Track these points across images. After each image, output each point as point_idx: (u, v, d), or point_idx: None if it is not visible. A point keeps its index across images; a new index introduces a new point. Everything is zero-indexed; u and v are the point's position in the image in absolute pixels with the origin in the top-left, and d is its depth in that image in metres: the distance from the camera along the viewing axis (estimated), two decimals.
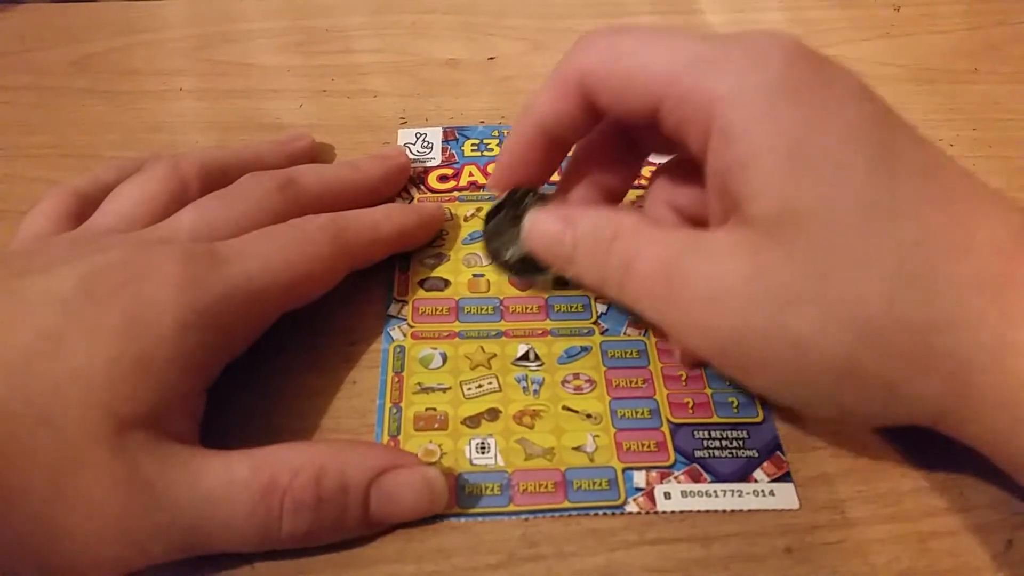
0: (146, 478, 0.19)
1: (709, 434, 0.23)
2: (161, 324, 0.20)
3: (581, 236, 0.23)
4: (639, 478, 0.22)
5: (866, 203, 0.18)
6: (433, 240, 0.29)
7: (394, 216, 0.27)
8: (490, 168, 0.31)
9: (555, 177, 0.28)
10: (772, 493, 0.22)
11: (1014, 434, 0.18)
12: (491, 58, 0.37)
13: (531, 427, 0.23)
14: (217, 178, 0.26)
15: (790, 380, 0.20)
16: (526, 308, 0.27)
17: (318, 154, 0.32)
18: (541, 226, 0.24)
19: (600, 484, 0.22)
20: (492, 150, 0.32)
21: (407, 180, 0.30)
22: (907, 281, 0.18)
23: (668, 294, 0.21)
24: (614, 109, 0.22)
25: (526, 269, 0.26)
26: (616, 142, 0.26)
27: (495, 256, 0.26)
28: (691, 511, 0.22)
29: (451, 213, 0.30)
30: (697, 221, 0.24)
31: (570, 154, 0.26)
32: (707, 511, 0.22)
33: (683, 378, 0.25)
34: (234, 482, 0.19)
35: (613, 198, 0.26)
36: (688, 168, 0.24)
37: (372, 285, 0.27)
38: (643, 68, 0.21)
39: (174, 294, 0.20)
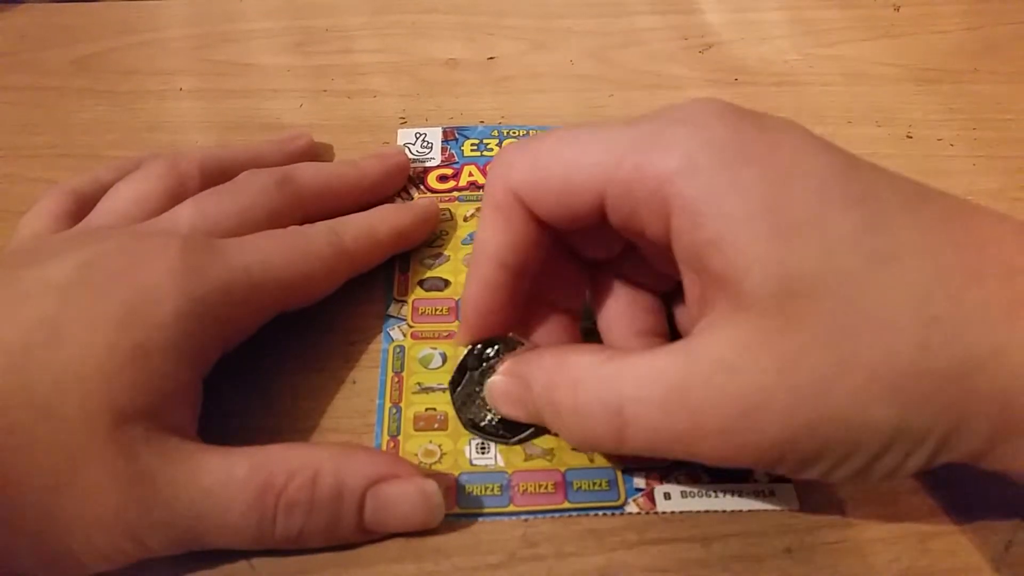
0: (146, 471, 0.19)
1: None
2: (159, 313, 0.20)
3: (538, 395, 0.21)
4: (639, 478, 0.22)
5: (867, 253, 0.17)
6: (433, 240, 0.29)
7: (390, 217, 0.27)
8: (490, 168, 0.31)
9: None
10: (772, 493, 0.22)
11: None
12: (491, 58, 0.37)
13: None
14: (216, 177, 0.26)
15: (842, 459, 0.18)
16: None
17: (318, 154, 0.32)
18: (498, 391, 0.22)
19: (600, 484, 0.22)
20: (492, 150, 0.32)
21: (406, 179, 0.30)
22: (935, 324, 0.17)
23: (691, 429, 0.18)
24: (557, 217, 0.21)
25: (513, 430, 0.23)
26: (562, 258, 0.24)
27: (473, 426, 0.23)
28: (691, 511, 0.22)
29: (451, 213, 0.30)
30: (650, 291, 0.24)
31: None
32: (707, 511, 0.22)
33: None
34: (232, 480, 0.19)
35: (570, 311, 0.25)
36: (629, 254, 0.23)
37: (372, 285, 0.27)
38: (576, 167, 0.20)
39: (172, 282, 0.20)
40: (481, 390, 0.23)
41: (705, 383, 0.18)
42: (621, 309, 0.24)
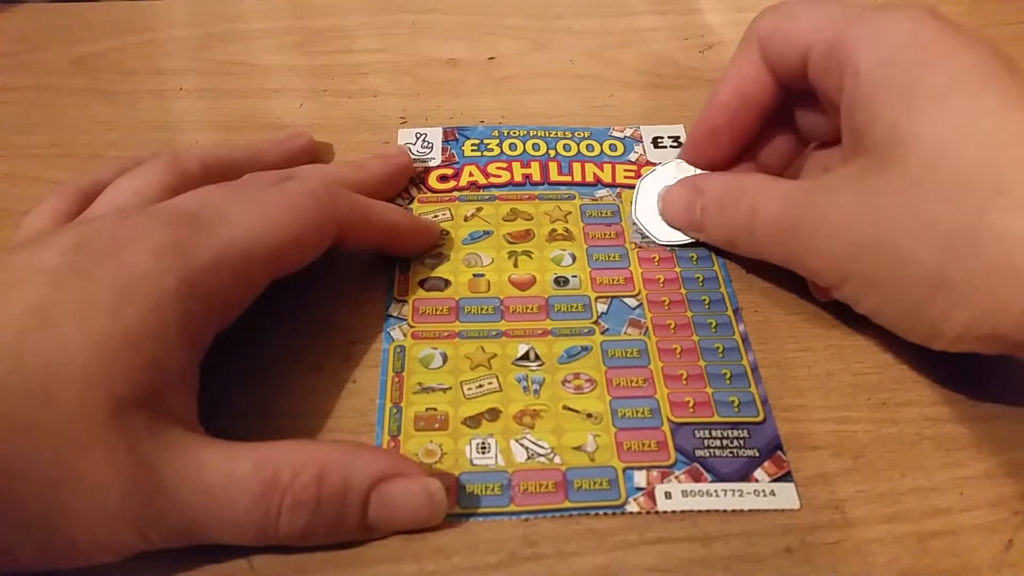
0: (147, 461, 0.19)
1: (710, 433, 0.23)
2: (147, 295, 0.20)
3: (710, 200, 0.26)
4: (640, 478, 0.22)
5: (970, 129, 0.20)
6: None
7: (390, 210, 0.27)
8: (491, 168, 0.31)
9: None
10: (773, 493, 0.22)
11: None
12: (491, 58, 0.37)
13: (532, 427, 0.23)
14: (216, 174, 0.26)
15: (893, 296, 0.22)
16: (526, 308, 0.27)
17: (318, 153, 0.32)
18: (673, 196, 0.28)
19: (601, 484, 0.22)
20: (492, 150, 0.32)
21: (408, 180, 0.30)
22: (1000, 195, 0.19)
23: (790, 230, 0.24)
24: (778, 64, 0.26)
25: (660, 226, 0.28)
26: (782, 130, 0.28)
27: (640, 192, 0.29)
28: (692, 511, 0.22)
29: (451, 213, 0.30)
30: None
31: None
32: (708, 511, 0.22)
33: (684, 377, 0.25)
34: (236, 475, 0.19)
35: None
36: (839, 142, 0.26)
37: (372, 285, 0.27)
38: (800, 24, 0.25)
39: (158, 262, 0.20)
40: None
41: (811, 195, 0.24)
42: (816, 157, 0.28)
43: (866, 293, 0.23)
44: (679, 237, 0.28)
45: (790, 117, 0.28)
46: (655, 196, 0.29)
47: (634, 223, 0.29)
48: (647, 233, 0.29)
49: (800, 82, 0.25)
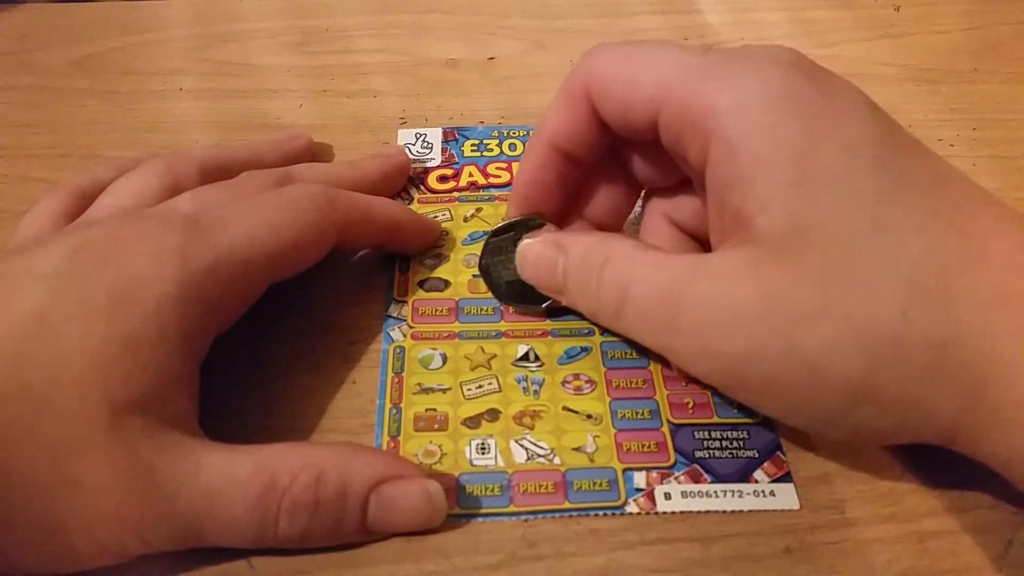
0: (147, 466, 0.19)
1: (709, 434, 0.23)
2: (146, 300, 0.20)
3: (572, 262, 0.23)
4: (639, 478, 0.22)
5: (875, 217, 0.18)
6: None
7: (389, 205, 0.27)
8: (490, 168, 0.31)
9: None
10: (772, 493, 0.22)
11: None
12: (491, 58, 0.37)
13: (531, 428, 0.23)
14: (214, 175, 0.26)
15: (803, 402, 0.19)
16: None
17: (317, 154, 0.32)
18: (533, 251, 0.24)
19: (600, 485, 0.22)
20: (492, 150, 0.32)
21: (406, 180, 0.30)
22: (921, 295, 0.18)
23: (671, 320, 0.20)
24: (616, 120, 0.22)
25: (520, 296, 0.25)
26: (612, 175, 0.25)
27: (485, 272, 0.26)
28: (691, 511, 0.22)
29: (451, 213, 0.30)
30: (695, 236, 0.24)
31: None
32: (707, 511, 0.22)
33: (683, 378, 0.25)
34: (234, 479, 0.19)
35: (608, 231, 0.26)
36: (685, 186, 0.24)
37: (372, 285, 0.27)
38: (645, 77, 0.21)
39: (157, 267, 0.20)
40: (512, 250, 0.25)
41: (695, 286, 0.20)
42: (663, 244, 0.25)
43: (769, 399, 0.20)
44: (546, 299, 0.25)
45: (621, 160, 0.25)
46: (505, 255, 0.25)
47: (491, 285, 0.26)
48: (519, 307, 0.26)
49: (642, 136, 0.22)
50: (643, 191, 0.26)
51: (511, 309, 0.26)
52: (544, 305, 0.25)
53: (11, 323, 0.19)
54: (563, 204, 0.25)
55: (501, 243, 0.25)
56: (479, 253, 0.27)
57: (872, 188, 0.18)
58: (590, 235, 0.24)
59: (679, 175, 0.24)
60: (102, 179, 0.26)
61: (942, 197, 0.19)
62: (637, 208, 0.27)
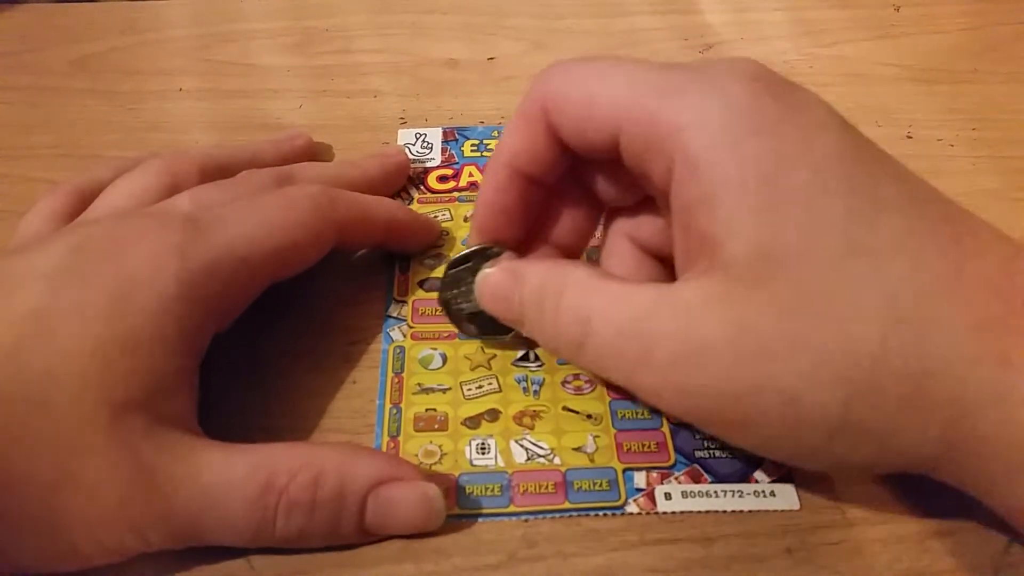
0: (146, 465, 0.19)
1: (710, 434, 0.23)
2: (145, 299, 0.20)
3: (528, 293, 0.22)
4: (639, 478, 0.22)
5: (847, 241, 0.17)
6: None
7: (388, 204, 0.27)
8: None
9: None
10: (773, 493, 0.22)
11: (1011, 482, 0.17)
12: (491, 58, 0.37)
13: (531, 428, 0.23)
14: (214, 174, 0.26)
15: (780, 436, 0.18)
16: None
17: (317, 153, 0.32)
18: (491, 281, 0.23)
19: (601, 485, 0.22)
20: (492, 150, 0.32)
21: (406, 179, 0.30)
22: (898, 323, 0.17)
23: (638, 356, 0.19)
24: (575, 140, 0.21)
25: (483, 327, 0.24)
26: (574, 195, 0.24)
27: (446, 306, 0.25)
28: (692, 511, 0.22)
29: (451, 213, 0.30)
30: (658, 256, 0.24)
31: None
32: (708, 511, 0.22)
33: None
34: (233, 478, 0.19)
35: (571, 255, 0.25)
36: (648, 205, 0.23)
37: (372, 285, 0.27)
38: (603, 95, 0.20)
39: (156, 266, 0.20)
40: (471, 280, 0.24)
41: (662, 319, 0.19)
42: (626, 265, 0.24)
43: (745, 434, 0.19)
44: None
45: (582, 179, 0.24)
46: (465, 286, 0.24)
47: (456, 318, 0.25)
48: (482, 339, 0.25)
49: (601, 156, 0.21)
50: (607, 213, 0.25)
51: (478, 343, 0.25)
52: (510, 336, 0.24)
53: (10, 322, 0.19)
54: (525, 228, 0.24)
55: (459, 274, 0.24)
56: None
57: (843, 209, 0.17)
58: (546, 263, 0.22)
59: (641, 193, 0.23)
60: (102, 179, 0.26)
61: (917, 217, 0.18)
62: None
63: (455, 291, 0.24)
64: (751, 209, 0.18)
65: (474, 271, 0.24)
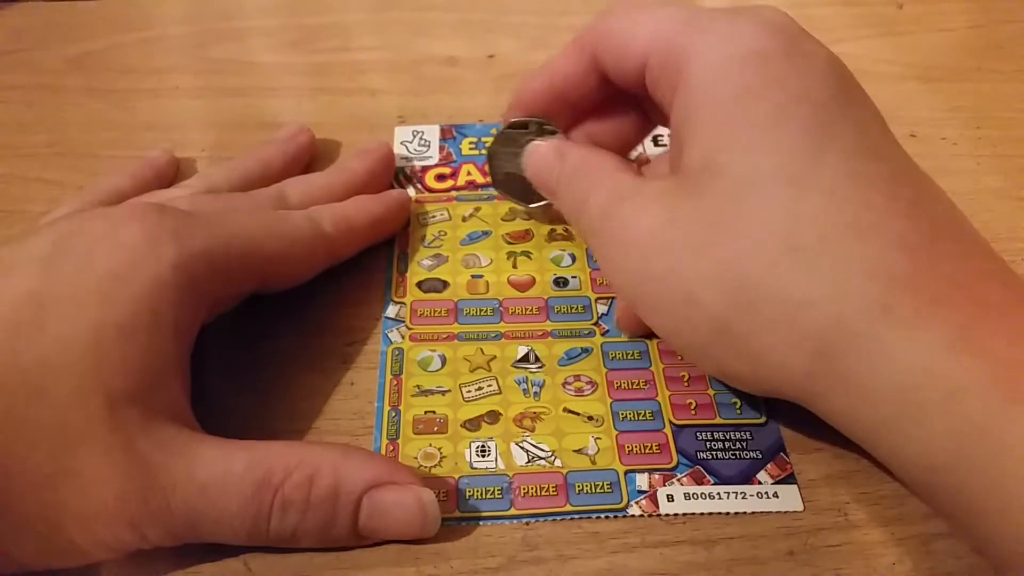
0: (142, 459, 0.19)
1: (712, 436, 0.23)
2: (141, 282, 0.20)
3: (566, 172, 0.24)
4: (641, 480, 0.22)
5: (783, 170, 0.19)
6: (432, 240, 0.28)
7: (365, 206, 0.27)
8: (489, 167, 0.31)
9: None
10: (776, 495, 0.22)
11: (878, 430, 0.18)
12: (491, 56, 0.37)
13: (532, 430, 0.23)
14: (240, 189, 0.27)
15: (678, 329, 0.21)
16: (526, 309, 0.26)
17: (317, 150, 0.32)
18: (539, 152, 0.25)
19: (602, 487, 0.22)
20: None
21: (393, 172, 0.30)
22: (792, 252, 0.18)
23: (602, 233, 0.22)
24: (614, 72, 0.23)
25: (513, 189, 0.27)
26: (624, 108, 0.26)
27: (492, 157, 0.27)
28: (694, 514, 0.21)
29: (449, 213, 0.29)
30: None
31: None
32: (710, 513, 0.21)
33: (685, 379, 0.24)
34: (229, 474, 0.19)
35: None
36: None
37: (370, 286, 0.27)
38: (642, 30, 0.22)
39: (152, 247, 0.20)
40: (511, 149, 0.26)
41: (624, 205, 0.21)
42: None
43: (654, 320, 0.21)
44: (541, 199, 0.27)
45: (634, 99, 0.26)
46: (510, 158, 0.27)
47: (497, 182, 0.28)
48: (508, 198, 0.29)
49: (635, 88, 0.23)
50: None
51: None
52: (531, 205, 0.28)
53: (7, 308, 0.19)
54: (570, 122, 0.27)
55: (515, 136, 0.26)
56: (478, 253, 0.27)
57: (791, 143, 0.19)
58: (588, 150, 0.25)
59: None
60: (122, 188, 0.27)
61: (862, 167, 0.19)
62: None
63: (505, 148, 0.27)
64: (713, 125, 0.20)
65: (527, 138, 0.26)
